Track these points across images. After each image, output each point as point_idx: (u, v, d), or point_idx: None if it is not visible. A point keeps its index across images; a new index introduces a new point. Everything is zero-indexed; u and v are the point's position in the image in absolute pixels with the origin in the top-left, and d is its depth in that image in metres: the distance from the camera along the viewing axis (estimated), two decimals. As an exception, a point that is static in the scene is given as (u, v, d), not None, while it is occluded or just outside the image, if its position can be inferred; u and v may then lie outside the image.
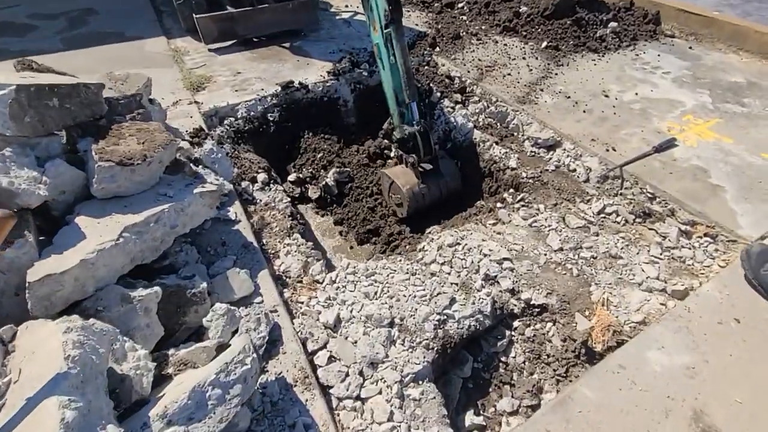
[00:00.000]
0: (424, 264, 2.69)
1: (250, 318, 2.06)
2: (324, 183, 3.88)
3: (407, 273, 2.60)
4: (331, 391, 1.99)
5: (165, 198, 2.16)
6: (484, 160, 3.75)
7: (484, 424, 2.19)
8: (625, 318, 2.25)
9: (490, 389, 2.32)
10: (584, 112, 3.77)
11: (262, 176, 3.34)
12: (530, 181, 3.29)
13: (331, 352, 2.14)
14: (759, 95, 3.91)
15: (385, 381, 2.03)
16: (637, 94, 3.96)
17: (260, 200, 3.20)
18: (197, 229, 2.66)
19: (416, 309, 2.36)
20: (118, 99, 2.64)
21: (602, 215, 2.89)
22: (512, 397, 2.26)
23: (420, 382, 2.06)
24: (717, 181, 2.97)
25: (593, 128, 3.54)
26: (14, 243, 1.79)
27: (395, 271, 2.62)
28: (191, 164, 2.74)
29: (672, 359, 2.03)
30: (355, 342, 2.18)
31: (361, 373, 2.06)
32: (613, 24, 4.98)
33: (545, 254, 2.59)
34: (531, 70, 4.41)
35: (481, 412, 2.26)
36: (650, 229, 2.77)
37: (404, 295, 2.43)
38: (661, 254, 2.59)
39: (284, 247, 2.80)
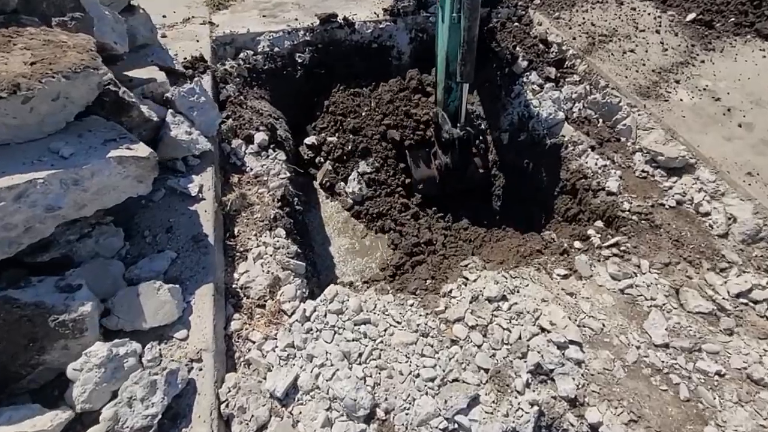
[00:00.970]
0: (446, 321, 1.81)
1: (142, 378, 1.28)
2: (351, 189, 3.12)
3: (416, 332, 1.74)
4: None
5: (53, 159, 1.37)
6: (569, 169, 2.68)
7: None
8: None
9: None
10: (740, 126, 2.73)
11: (260, 136, 2.50)
12: (634, 217, 2.25)
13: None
14: None
15: None
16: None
17: (250, 169, 2.39)
18: (142, 200, 1.90)
19: (414, 400, 1.53)
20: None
21: (744, 300, 1.86)
22: None
23: None
24: None
25: (751, 155, 2.56)
26: None
27: (399, 323, 1.76)
28: (150, 109, 1.94)
29: None
30: (305, 440, 1.40)
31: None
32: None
33: (638, 347, 1.66)
34: (665, 50, 3.36)
35: None
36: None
37: (401, 371, 1.61)
38: None
39: (258, 247, 2.01)
